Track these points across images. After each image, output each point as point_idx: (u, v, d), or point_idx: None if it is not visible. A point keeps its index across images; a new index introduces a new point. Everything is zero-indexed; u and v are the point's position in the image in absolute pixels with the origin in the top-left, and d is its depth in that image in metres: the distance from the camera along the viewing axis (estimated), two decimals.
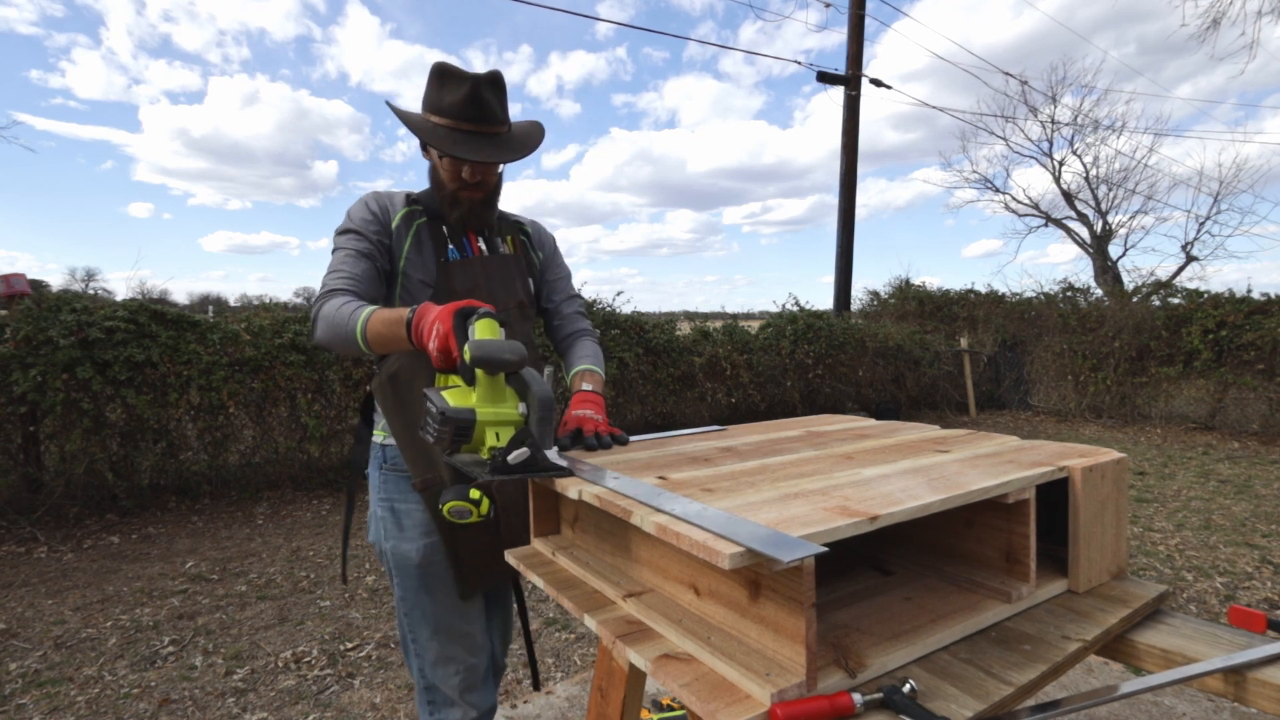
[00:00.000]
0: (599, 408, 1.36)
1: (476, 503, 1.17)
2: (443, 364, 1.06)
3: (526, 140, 1.37)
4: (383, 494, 1.38)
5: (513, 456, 0.97)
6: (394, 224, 1.35)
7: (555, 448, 1.07)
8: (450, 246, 1.38)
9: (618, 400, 6.39)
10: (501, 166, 1.38)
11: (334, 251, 1.34)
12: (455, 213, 1.37)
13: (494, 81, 1.30)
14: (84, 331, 4.06)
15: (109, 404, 4.22)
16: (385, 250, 1.34)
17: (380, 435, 1.41)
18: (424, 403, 1.03)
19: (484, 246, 1.44)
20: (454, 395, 1.02)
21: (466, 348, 0.98)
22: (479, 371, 1.01)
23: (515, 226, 1.55)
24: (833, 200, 9.63)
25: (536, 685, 1.66)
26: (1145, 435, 7.27)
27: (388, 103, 1.33)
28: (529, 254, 1.55)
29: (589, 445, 1.24)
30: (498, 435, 1.02)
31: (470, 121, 1.29)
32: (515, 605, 1.62)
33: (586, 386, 1.42)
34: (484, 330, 1.01)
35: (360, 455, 1.46)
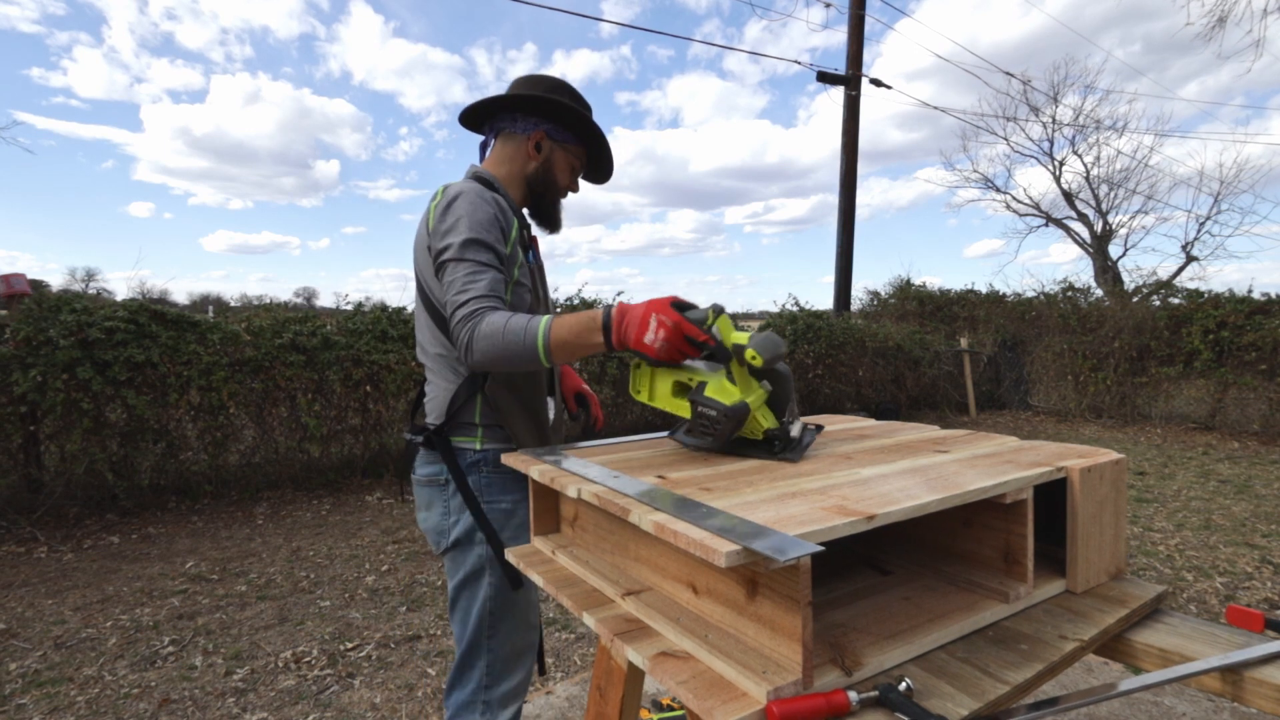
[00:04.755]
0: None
1: None
2: (668, 355, 1.09)
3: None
4: (486, 497, 1.38)
5: (794, 431, 1.12)
6: (512, 233, 1.36)
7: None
8: (530, 250, 1.44)
9: (618, 400, 6.39)
10: None
11: (463, 260, 1.25)
12: (552, 212, 1.50)
13: None
14: (84, 332, 4.06)
15: (109, 404, 4.22)
16: (504, 260, 1.34)
17: (474, 442, 1.38)
18: (695, 408, 1.11)
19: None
20: (715, 391, 1.10)
21: (755, 352, 1.05)
22: (734, 362, 1.10)
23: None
24: (835, 200, 9.63)
25: (542, 670, 1.66)
26: (1145, 435, 7.27)
27: (572, 90, 1.46)
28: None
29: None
30: (763, 416, 1.12)
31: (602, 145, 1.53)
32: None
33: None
34: (727, 326, 1.11)
35: (450, 460, 1.39)
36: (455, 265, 1.24)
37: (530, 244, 1.45)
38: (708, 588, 0.86)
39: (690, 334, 1.08)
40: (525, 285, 1.39)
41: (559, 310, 3.52)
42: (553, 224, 1.51)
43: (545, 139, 1.44)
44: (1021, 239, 18.68)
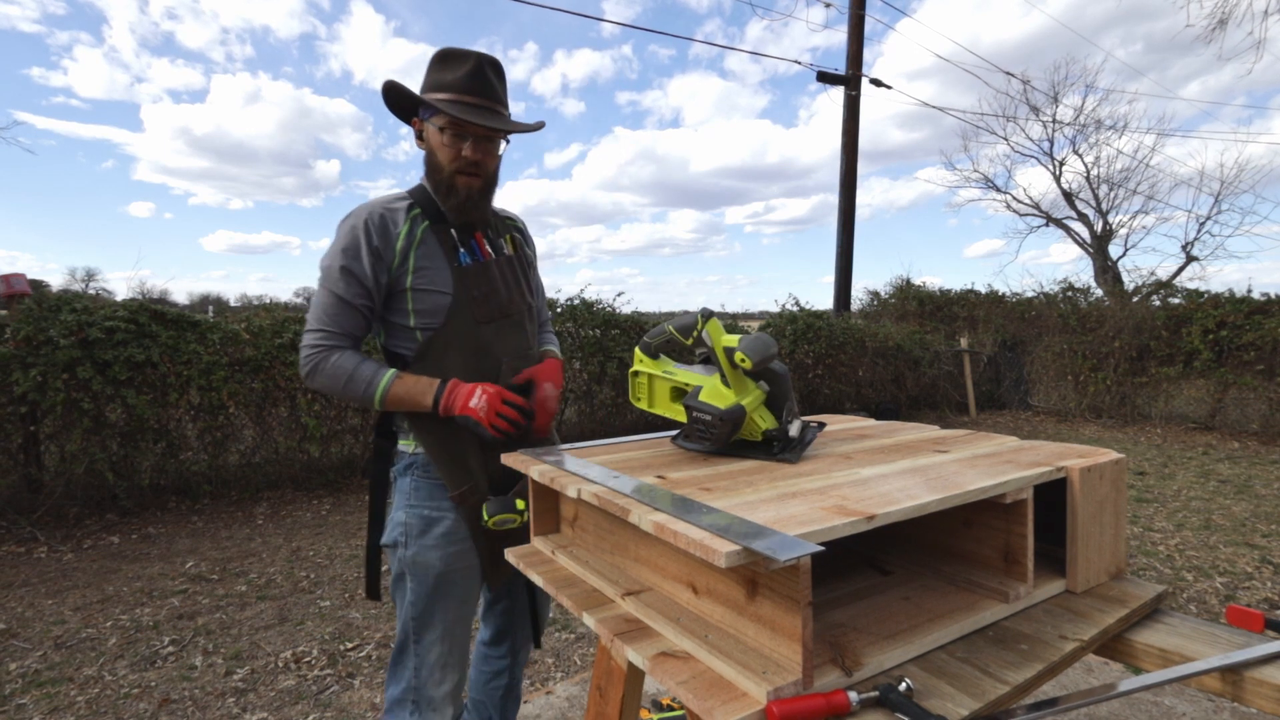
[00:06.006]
0: (558, 372, 1.47)
1: (521, 512, 1.31)
2: (489, 417, 1.26)
3: (526, 122, 1.38)
4: (413, 500, 1.36)
5: (794, 430, 1.11)
6: (398, 245, 1.30)
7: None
8: (461, 251, 1.36)
9: (618, 400, 6.39)
10: (502, 149, 1.37)
11: (321, 287, 1.31)
12: (451, 200, 1.34)
13: (495, 63, 1.34)
14: (84, 331, 4.06)
15: (109, 404, 4.22)
16: (380, 287, 1.32)
17: (409, 445, 1.37)
18: (690, 413, 1.11)
19: (490, 248, 1.42)
20: (710, 395, 1.10)
21: (744, 355, 1.05)
22: (725, 365, 1.10)
23: (508, 223, 1.54)
24: (836, 200, 9.63)
25: (538, 644, 1.67)
26: (1145, 435, 7.27)
27: (389, 82, 1.33)
28: (523, 251, 1.53)
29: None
30: (761, 417, 1.12)
31: (475, 95, 1.29)
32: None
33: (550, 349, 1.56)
34: (718, 330, 1.10)
35: (381, 468, 1.42)
36: (318, 290, 1.34)
37: (465, 243, 1.37)
38: (708, 588, 0.86)
39: (508, 398, 1.28)
40: (434, 290, 1.32)
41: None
42: (462, 209, 1.35)
43: (420, 124, 1.36)
44: (1022, 239, 18.66)
